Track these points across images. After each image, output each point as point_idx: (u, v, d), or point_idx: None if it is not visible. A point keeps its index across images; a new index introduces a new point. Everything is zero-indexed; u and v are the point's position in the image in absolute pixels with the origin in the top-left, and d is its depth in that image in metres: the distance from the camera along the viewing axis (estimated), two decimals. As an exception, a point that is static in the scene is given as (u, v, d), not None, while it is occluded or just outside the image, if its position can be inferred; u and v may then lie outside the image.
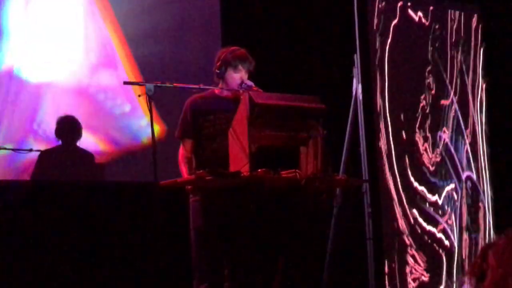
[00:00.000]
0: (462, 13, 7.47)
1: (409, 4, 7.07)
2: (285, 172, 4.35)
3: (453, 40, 7.38)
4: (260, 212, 4.42)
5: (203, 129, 4.74)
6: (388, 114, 6.77)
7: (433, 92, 7.16)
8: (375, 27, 6.76)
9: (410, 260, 6.79)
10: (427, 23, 7.18)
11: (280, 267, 4.51)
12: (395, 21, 6.94)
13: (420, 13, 7.14)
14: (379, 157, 6.67)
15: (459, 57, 7.42)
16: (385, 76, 6.80)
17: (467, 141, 7.39)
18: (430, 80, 7.15)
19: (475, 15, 7.58)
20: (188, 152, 4.77)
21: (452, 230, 7.11)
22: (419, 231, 6.87)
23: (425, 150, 7.05)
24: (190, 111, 4.79)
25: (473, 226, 7.31)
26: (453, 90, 7.35)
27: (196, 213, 4.63)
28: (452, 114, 7.30)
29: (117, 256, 5.95)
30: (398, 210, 6.74)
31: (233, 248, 4.53)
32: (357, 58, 6.23)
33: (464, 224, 7.24)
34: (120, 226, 5.98)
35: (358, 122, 6.19)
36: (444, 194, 7.12)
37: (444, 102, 7.24)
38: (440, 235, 7.00)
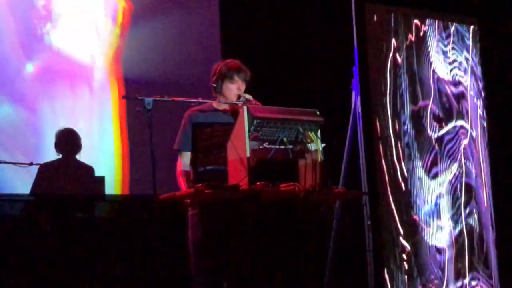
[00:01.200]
0: (459, 24, 7.50)
1: (407, 14, 7.10)
2: (284, 185, 4.35)
3: (452, 49, 7.40)
4: (259, 225, 4.42)
5: (201, 141, 4.74)
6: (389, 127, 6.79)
7: (431, 102, 7.18)
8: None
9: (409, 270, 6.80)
10: (424, 33, 7.20)
11: (279, 280, 4.51)
12: (394, 35, 6.97)
13: (416, 21, 7.16)
14: (379, 169, 6.68)
15: (457, 66, 7.44)
16: (386, 86, 6.82)
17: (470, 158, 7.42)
18: (430, 89, 7.19)
19: (474, 27, 7.60)
20: (186, 165, 4.77)
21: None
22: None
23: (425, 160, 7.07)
24: (189, 123, 4.79)
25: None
26: (452, 99, 7.37)
27: (195, 226, 4.62)
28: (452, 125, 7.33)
29: (116, 269, 5.95)
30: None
31: (232, 261, 4.52)
32: (356, 70, 6.25)
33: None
34: (120, 239, 5.98)
35: (357, 135, 6.20)
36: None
37: (442, 111, 7.27)
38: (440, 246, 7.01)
